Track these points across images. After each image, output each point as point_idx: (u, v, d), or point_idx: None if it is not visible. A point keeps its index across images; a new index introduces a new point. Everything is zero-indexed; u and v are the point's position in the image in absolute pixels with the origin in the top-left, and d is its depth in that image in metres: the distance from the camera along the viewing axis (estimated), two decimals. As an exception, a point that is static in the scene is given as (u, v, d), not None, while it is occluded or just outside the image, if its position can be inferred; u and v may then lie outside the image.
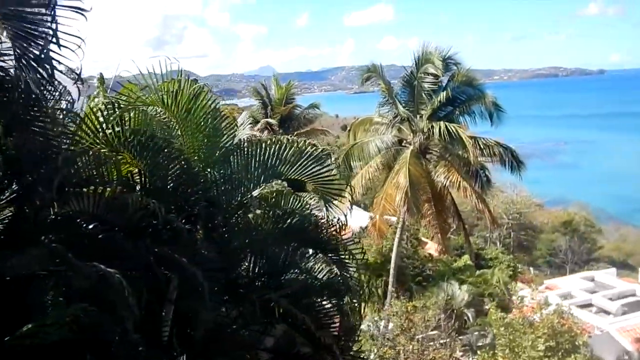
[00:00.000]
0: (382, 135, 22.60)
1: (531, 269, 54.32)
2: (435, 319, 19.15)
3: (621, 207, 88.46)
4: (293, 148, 5.75)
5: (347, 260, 6.07)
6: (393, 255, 23.39)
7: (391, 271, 23.43)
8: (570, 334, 13.31)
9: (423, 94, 21.49)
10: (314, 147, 5.89)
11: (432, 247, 35.28)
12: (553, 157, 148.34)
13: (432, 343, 17.88)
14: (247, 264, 6.39)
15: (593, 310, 26.48)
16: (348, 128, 25.28)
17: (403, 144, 22.59)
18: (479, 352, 18.44)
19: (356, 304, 6.24)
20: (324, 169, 5.93)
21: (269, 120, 32.71)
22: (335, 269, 6.08)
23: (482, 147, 21.05)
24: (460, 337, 24.23)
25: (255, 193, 6.73)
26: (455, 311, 25.02)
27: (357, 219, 33.64)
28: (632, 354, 21.77)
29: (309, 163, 5.87)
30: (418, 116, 21.94)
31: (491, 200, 57.00)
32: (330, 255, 5.98)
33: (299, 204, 6.81)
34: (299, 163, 5.84)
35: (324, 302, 5.92)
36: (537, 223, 63.17)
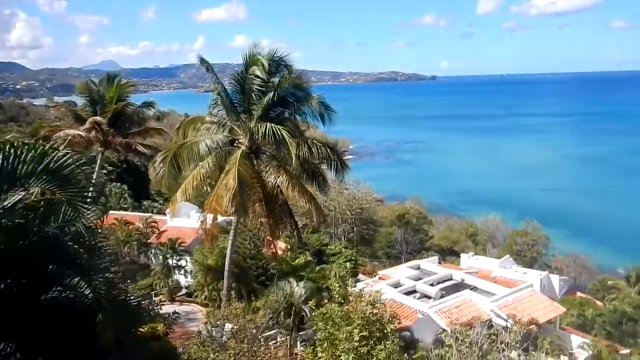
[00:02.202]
0: (213, 135, 22.02)
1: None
2: (267, 319, 19.24)
3: (449, 200, 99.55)
4: (33, 153, 5.08)
5: (94, 276, 5.55)
6: (227, 256, 22.99)
7: (225, 273, 23.01)
8: (381, 322, 14.19)
9: (253, 95, 21.35)
10: (60, 152, 5.27)
11: (281, 247, 35.67)
12: (394, 155, 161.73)
13: (263, 342, 17.92)
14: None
15: (417, 296, 28.87)
16: (177, 126, 24.15)
17: (235, 145, 22.22)
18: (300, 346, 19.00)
19: (109, 322, 5.76)
20: (75, 176, 5.34)
21: (97, 118, 30.34)
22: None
23: (310, 147, 21.52)
24: (300, 333, 24.82)
25: (10, 202, 5.93)
26: (294, 308, 25.47)
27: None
28: (447, 332, 24.11)
29: (56, 170, 5.25)
30: (249, 117, 21.77)
31: (336, 197, 60.01)
32: (77, 271, 5.42)
33: (64, 216, 6.15)
34: (43, 170, 5.18)
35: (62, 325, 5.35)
36: (377, 217, 67.60)
